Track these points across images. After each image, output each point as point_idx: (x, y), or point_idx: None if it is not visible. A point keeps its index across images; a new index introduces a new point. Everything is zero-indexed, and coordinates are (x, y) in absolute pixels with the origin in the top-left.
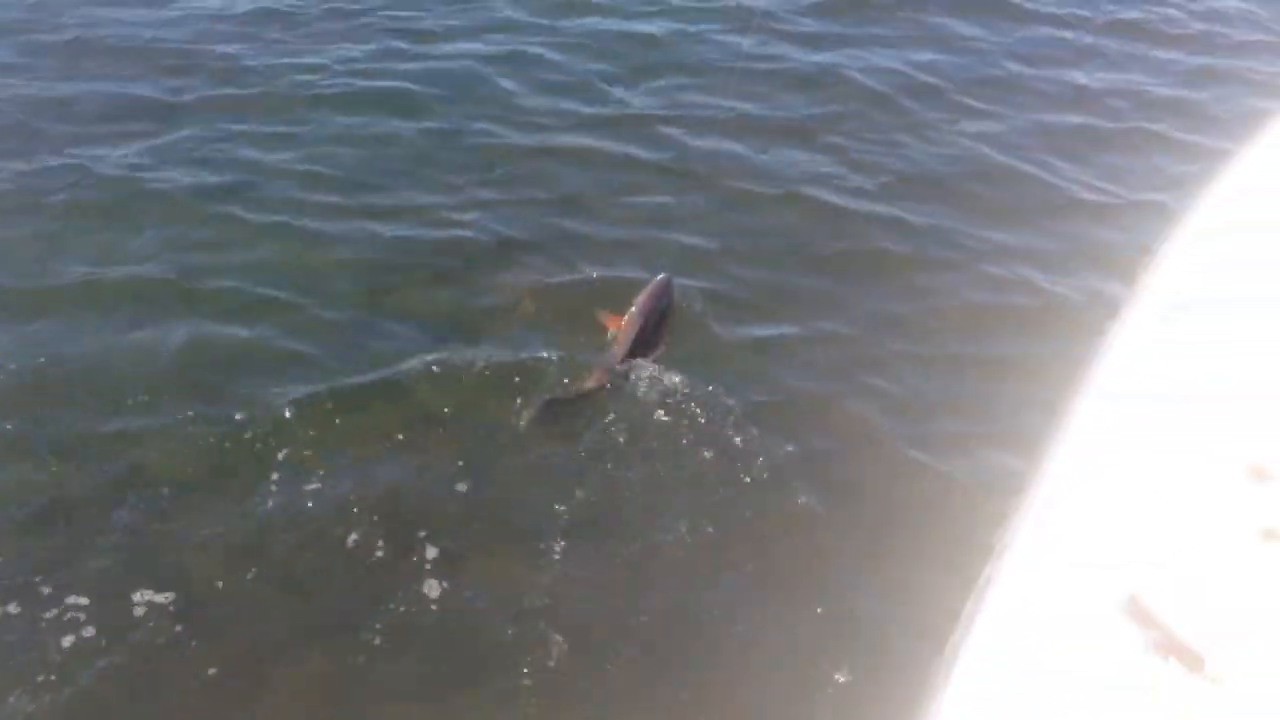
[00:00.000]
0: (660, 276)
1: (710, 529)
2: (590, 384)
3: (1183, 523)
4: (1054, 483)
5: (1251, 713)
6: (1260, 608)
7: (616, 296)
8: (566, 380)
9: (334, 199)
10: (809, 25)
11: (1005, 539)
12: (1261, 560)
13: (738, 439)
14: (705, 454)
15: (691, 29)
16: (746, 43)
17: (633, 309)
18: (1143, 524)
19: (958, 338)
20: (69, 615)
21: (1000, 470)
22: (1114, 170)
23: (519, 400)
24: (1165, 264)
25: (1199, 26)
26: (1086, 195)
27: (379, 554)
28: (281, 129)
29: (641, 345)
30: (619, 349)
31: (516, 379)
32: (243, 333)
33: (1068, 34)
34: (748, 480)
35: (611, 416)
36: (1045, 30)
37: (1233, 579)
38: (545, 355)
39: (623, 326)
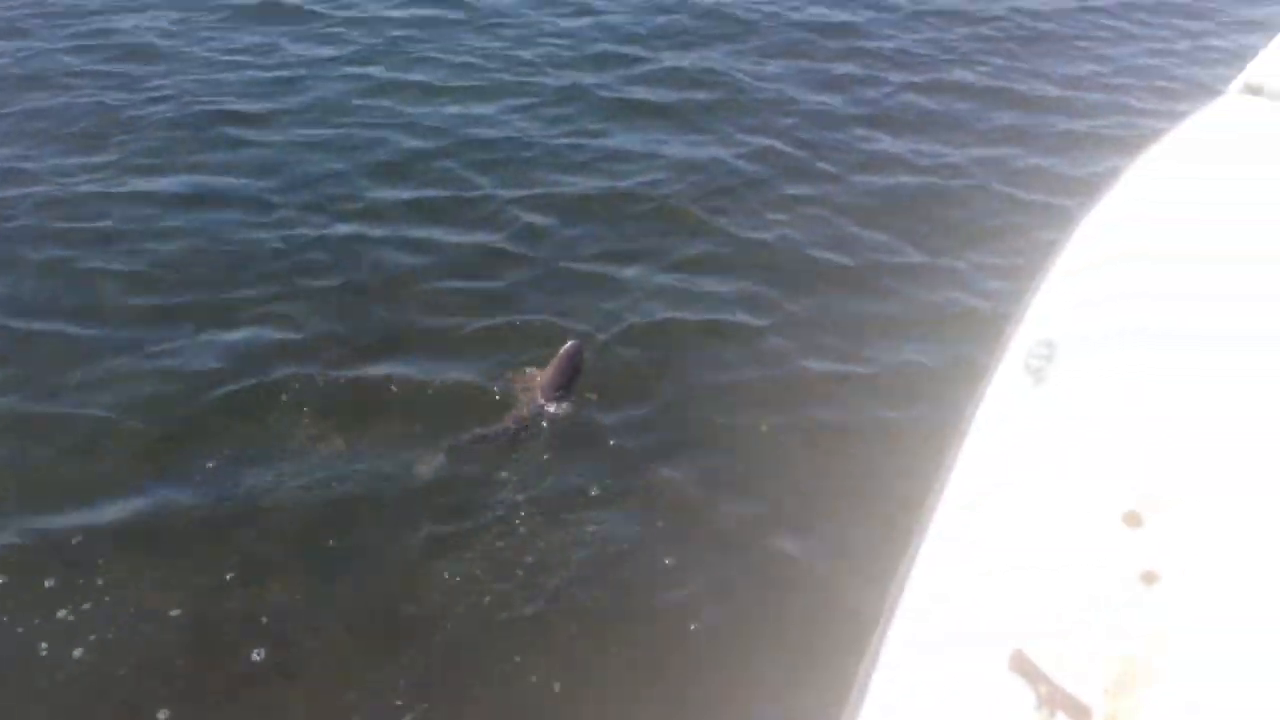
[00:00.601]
0: (570, 344)
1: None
2: (493, 431)
3: (1062, 572)
4: (933, 542)
5: None
6: (1145, 652)
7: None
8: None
9: (155, 301)
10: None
11: (888, 603)
12: (1144, 604)
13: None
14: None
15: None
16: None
17: (543, 371)
18: (1022, 577)
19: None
20: None
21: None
22: (959, 230)
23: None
24: (1035, 304)
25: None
26: (927, 259)
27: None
28: (98, 228)
29: (544, 404)
30: (522, 407)
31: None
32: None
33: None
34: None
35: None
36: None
37: (1116, 625)
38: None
39: (530, 385)
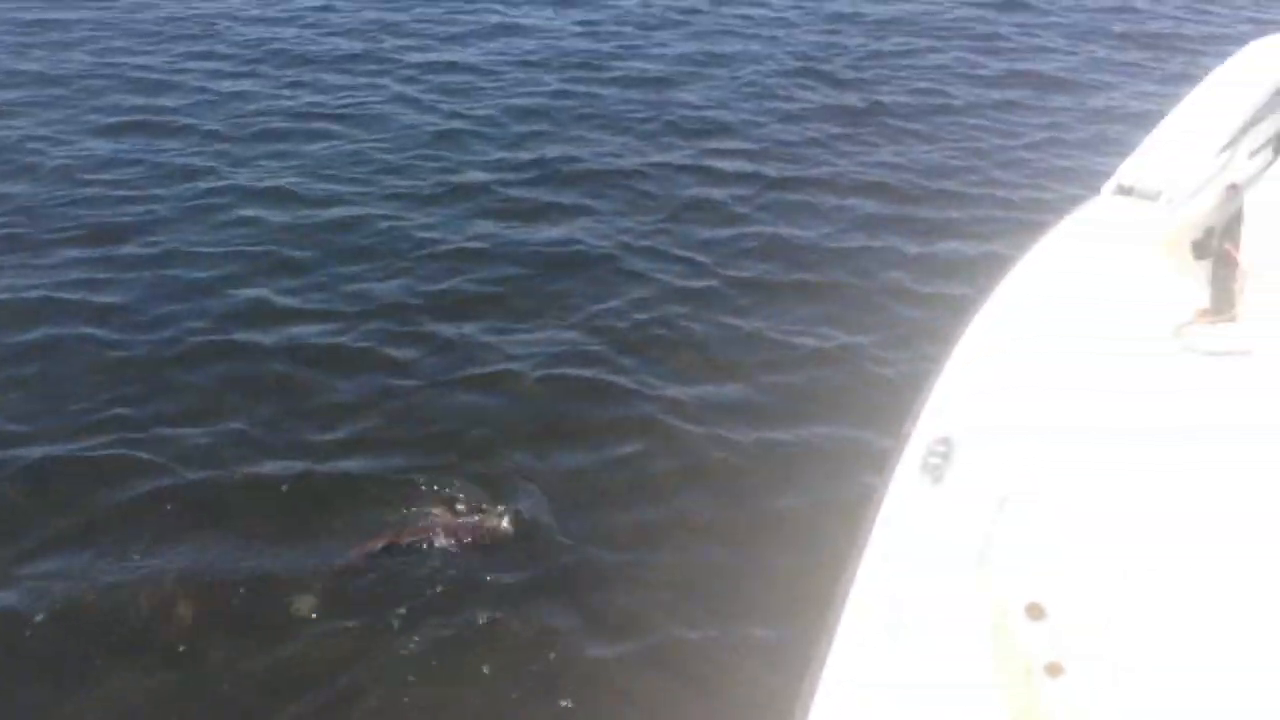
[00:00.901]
0: (505, 520)
1: None
2: (376, 544)
3: (970, 667)
4: (841, 644)
5: None
6: None
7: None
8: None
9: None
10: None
11: (798, 710)
12: (1050, 694)
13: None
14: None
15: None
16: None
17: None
18: (928, 674)
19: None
20: None
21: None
22: (842, 318)
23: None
24: (931, 401)
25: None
26: (816, 345)
27: None
28: None
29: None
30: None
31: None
32: None
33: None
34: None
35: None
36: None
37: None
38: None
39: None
